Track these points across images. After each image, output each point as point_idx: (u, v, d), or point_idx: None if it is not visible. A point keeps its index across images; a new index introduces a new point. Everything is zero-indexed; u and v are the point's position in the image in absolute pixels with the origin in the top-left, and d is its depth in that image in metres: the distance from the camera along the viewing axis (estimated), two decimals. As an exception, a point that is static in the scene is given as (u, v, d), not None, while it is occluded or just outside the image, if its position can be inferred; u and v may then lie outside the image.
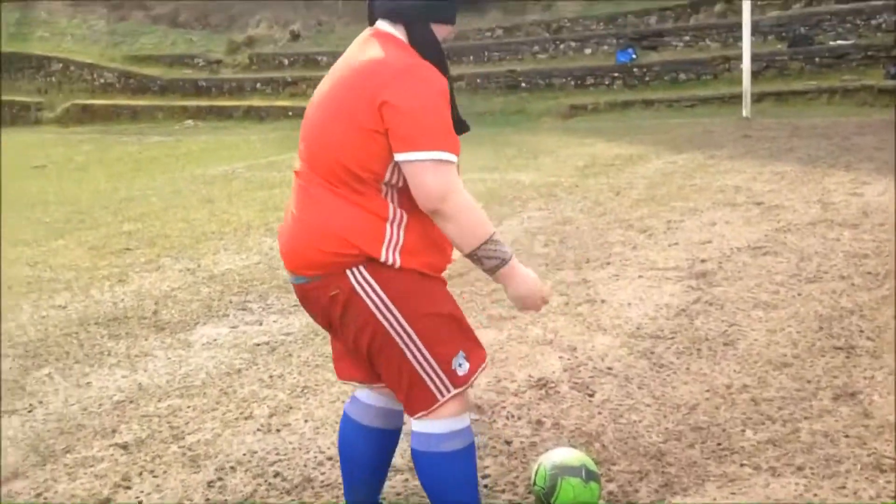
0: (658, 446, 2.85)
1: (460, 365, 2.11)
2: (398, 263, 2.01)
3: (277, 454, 2.94)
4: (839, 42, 14.61)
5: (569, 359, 3.70)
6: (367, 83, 1.95)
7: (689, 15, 17.61)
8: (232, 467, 2.85)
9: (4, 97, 20.11)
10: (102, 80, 20.59)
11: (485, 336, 3.98)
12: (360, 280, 2.00)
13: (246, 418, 3.23)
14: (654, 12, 18.03)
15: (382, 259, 1.99)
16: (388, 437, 2.38)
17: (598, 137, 11.71)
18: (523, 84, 17.39)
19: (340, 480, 2.72)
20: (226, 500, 2.65)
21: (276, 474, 2.80)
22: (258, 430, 3.13)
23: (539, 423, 3.11)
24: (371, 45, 2.04)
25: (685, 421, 3.01)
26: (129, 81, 20.29)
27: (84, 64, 20.80)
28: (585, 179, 8.28)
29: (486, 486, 2.68)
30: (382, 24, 2.08)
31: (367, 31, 2.11)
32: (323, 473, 2.79)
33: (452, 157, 1.94)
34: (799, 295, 4.22)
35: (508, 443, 2.96)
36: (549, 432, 3.03)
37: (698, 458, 2.75)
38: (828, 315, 3.89)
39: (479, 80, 17.88)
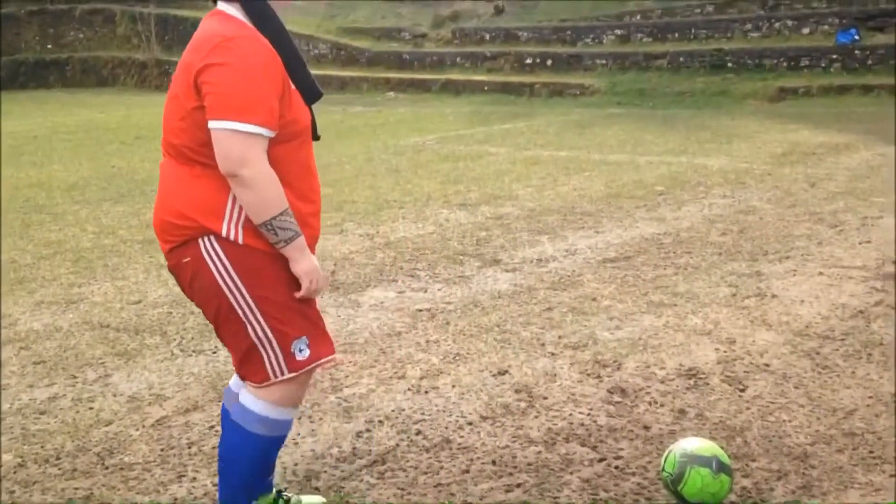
0: (804, 448, 2.74)
1: (300, 350, 2.09)
2: (240, 239, 2.03)
3: (422, 414, 3.12)
4: None
5: (725, 351, 3.60)
6: (189, 62, 1.98)
7: (927, -8, 15.94)
8: (380, 421, 3.07)
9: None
10: (317, 51, 21.93)
11: (642, 321, 3.98)
12: (210, 250, 2.03)
13: (399, 378, 3.45)
14: (888, -11, 16.48)
15: (224, 234, 2.02)
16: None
17: (805, 123, 10.98)
18: (730, 63, 16.55)
19: (478, 444, 2.87)
20: (370, 450, 2.87)
21: (419, 432, 2.98)
22: (408, 389, 3.33)
23: (682, 411, 3.08)
24: (203, 26, 2.05)
25: (839, 425, 2.87)
26: (341, 53, 21.47)
27: (301, 35, 22.24)
28: (780, 168, 7.84)
29: (616, 468, 2.71)
30: (221, 4, 2.08)
31: (208, 13, 2.12)
32: (462, 437, 2.94)
33: (255, 129, 1.93)
34: None
35: (647, 428, 2.96)
36: (692, 422, 2.99)
37: (845, 463, 2.62)
38: None
39: (681, 59, 17.22)
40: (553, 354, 3.64)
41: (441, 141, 10.92)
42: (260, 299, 2.05)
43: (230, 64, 1.93)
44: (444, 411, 3.14)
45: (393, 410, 3.15)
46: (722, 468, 2.44)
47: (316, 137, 2.23)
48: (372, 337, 3.92)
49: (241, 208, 2.02)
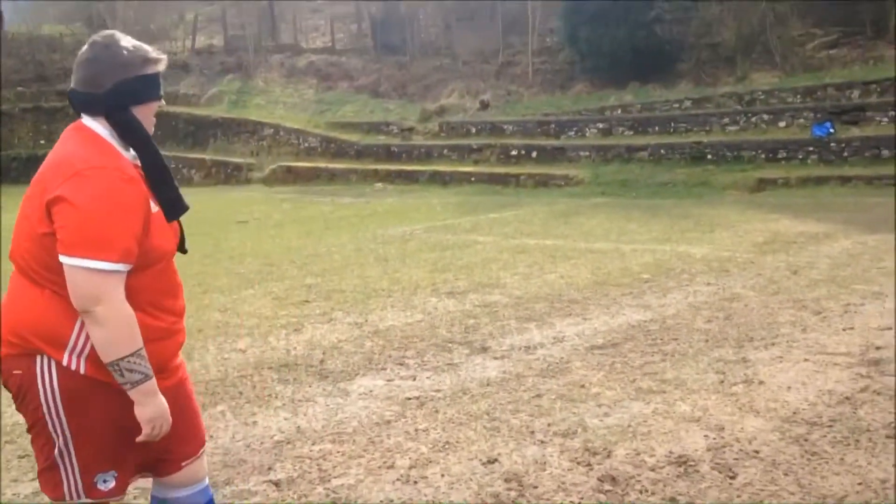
0: (795, 537, 2.72)
1: (105, 481, 2.05)
2: (82, 369, 1.97)
3: (411, 504, 3.09)
4: None
5: (714, 438, 3.60)
6: (44, 185, 1.94)
7: (896, 88, 16.56)
8: (368, 511, 3.04)
9: (223, 158, 22.39)
10: (307, 145, 22.41)
11: (631, 408, 3.98)
12: (44, 372, 1.97)
13: (388, 467, 3.42)
14: (858, 86, 17.14)
15: (65, 364, 1.95)
16: None
17: (785, 213, 11.22)
18: (709, 155, 17.01)
19: (467, 534, 2.83)
20: (359, 539, 2.83)
21: (408, 522, 2.95)
22: (397, 479, 3.30)
23: (673, 500, 3.06)
24: (64, 144, 2.02)
25: (830, 514, 2.86)
26: (330, 146, 21.94)
27: (292, 129, 22.78)
28: (763, 256, 7.97)
29: (608, 557, 2.67)
30: (85, 119, 2.04)
31: (71, 125, 2.08)
32: (451, 526, 2.90)
33: (109, 266, 1.88)
34: (984, 392, 3.86)
35: (638, 516, 2.94)
36: (683, 510, 2.97)
37: (837, 553, 2.60)
38: None
39: (662, 151, 17.70)
40: (543, 442, 3.62)
41: (429, 230, 11.07)
42: (77, 431, 1.99)
43: (84, 198, 1.87)
44: (433, 501, 3.10)
45: (382, 501, 3.12)
46: None
47: (183, 251, 2.20)
48: (360, 426, 3.90)
49: (87, 338, 1.95)
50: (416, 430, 3.83)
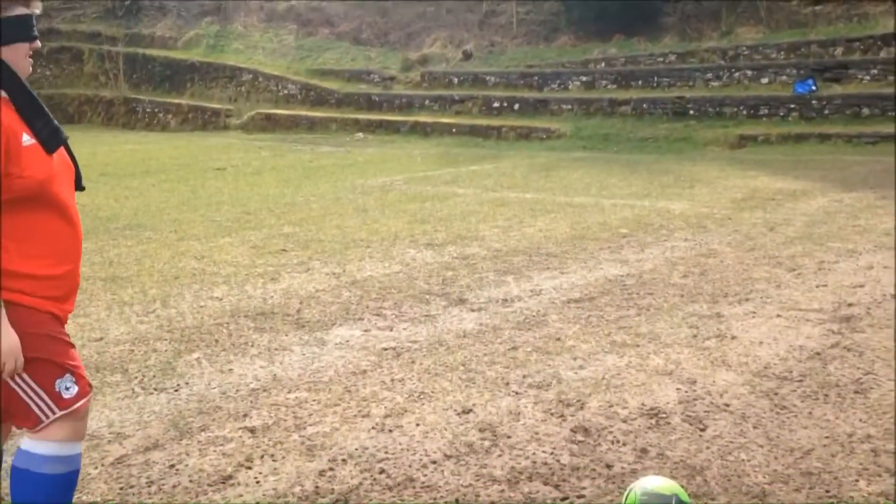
0: (762, 487, 2.78)
1: (67, 388, 2.10)
2: None
3: (386, 452, 3.11)
4: None
5: (686, 391, 3.65)
6: None
7: (880, 48, 16.55)
8: (343, 460, 3.06)
9: (201, 103, 22.04)
10: (286, 92, 22.07)
11: (605, 361, 4.02)
12: None
13: (363, 416, 3.44)
14: (841, 43, 17.10)
15: None
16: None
17: (764, 170, 11.27)
18: (692, 111, 16.98)
19: (441, 483, 2.87)
20: (333, 489, 2.85)
21: (382, 471, 2.97)
22: (372, 428, 3.32)
23: (644, 451, 3.10)
24: None
25: (797, 465, 2.91)
26: (310, 94, 21.62)
27: (271, 76, 22.40)
28: (740, 212, 8.02)
29: (578, 507, 2.72)
30: None
31: None
32: (425, 476, 2.93)
33: None
34: (951, 349, 3.94)
35: (609, 466, 2.98)
36: (653, 461, 3.02)
37: (802, 502, 2.66)
38: (979, 373, 3.62)
39: (645, 106, 17.64)
40: (517, 394, 3.66)
41: (409, 181, 11.00)
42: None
43: None
44: (408, 450, 3.13)
45: (356, 449, 3.14)
46: None
47: (80, 188, 2.24)
48: (337, 375, 3.91)
49: None
50: (392, 380, 3.85)
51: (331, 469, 2.98)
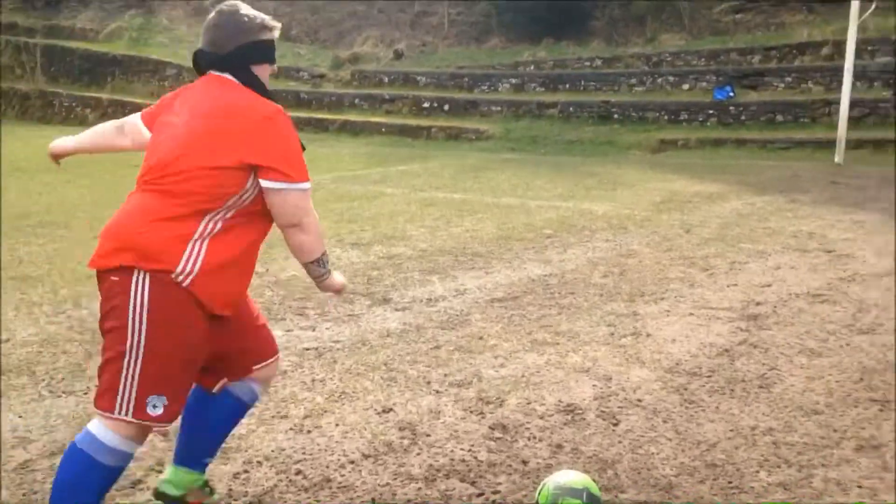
0: (669, 479, 2.88)
1: (154, 406, 2.20)
2: (186, 283, 2.17)
3: (304, 453, 3.11)
4: (950, 91, 14.01)
5: (601, 388, 3.75)
6: (224, 126, 2.24)
7: (795, 56, 17.23)
8: (259, 462, 3.04)
9: (122, 98, 21.42)
10: (212, 88, 21.61)
11: (525, 360, 4.10)
12: (139, 284, 2.15)
13: (281, 417, 3.42)
14: (759, 51, 17.72)
15: (176, 277, 2.16)
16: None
17: (682, 173, 11.61)
18: (616, 115, 17.35)
19: (358, 482, 2.88)
20: (247, 491, 2.83)
21: (299, 472, 2.97)
22: (290, 429, 3.31)
23: (559, 446, 3.18)
24: (221, 90, 2.33)
25: (702, 457, 3.03)
26: (237, 92, 21.23)
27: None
28: (659, 214, 8.25)
29: (493, 503, 2.77)
30: (214, 73, 2.38)
31: (209, 76, 2.38)
32: (342, 476, 2.94)
33: (309, 186, 2.33)
34: (847, 345, 4.14)
35: (525, 462, 3.05)
36: (567, 456, 3.10)
37: (706, 493, 2.77)
38: (871, 367, 3.82)
39: (571, 109, 17.95)
40: (438, 392, 3.70)
41: (337, 181, 10.95)
42: (150, 345, 2.16)
43: (285, 138, 2.29)
44: (325, 450, 3.13)
45: (273, 451, 3.13)
46: (592, 499, 2.55)
47: None
48: (256, 376, 3.87)
49: (196, 260, 2.18)
50: (313, 380, 3.84)
51: (245, 471, 2.97)
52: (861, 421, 3.26)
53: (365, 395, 3.66)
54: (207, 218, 2.22)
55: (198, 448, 2.61)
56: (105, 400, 2.19)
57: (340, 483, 2.89)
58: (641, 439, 3.21)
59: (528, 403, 3.58)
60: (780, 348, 4.17)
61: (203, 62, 2.38)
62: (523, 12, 21.03)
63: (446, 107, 18.99)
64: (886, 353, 4.01)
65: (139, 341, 2.14)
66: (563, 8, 20.69)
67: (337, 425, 3.35)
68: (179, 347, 2.20)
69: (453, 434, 3.27)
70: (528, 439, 3.24)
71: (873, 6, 12.15)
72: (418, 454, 3.10)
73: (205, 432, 2.59)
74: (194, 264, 2.18)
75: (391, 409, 3.50)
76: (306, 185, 2.29)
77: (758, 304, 4.96)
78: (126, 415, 2.17)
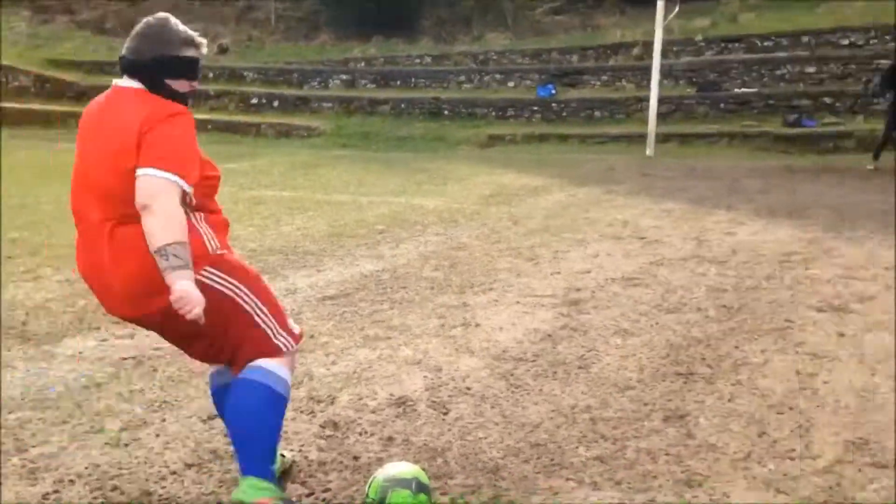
0: (496, 461, 2.96)
1: (292, 326, 2.61)
2: (218, 250, 2.50)
3: (120, 468, 2.93)
4: (743, 90, 15.34)
5: (432, 378, 3.80)
6: (125, 133, 2.38)
7: (609, 56, 18.26)
8: (71, 480, 2.84)
9: None
10: (17, 83, 20.02)
11: (357, 356, 4.09)
12: (204, 275, 2.43)
13: (96, 432, 3.21)
14: (577, 51, 18.63)
15: (211, 252, 2.47)
16: None
17: (510, 168, 12.00)
18: (446, 112, 17.69)
19: (181, 493, 2.75)
20: (59, 511, 2.64)
21: (115, 488, 2.79)
22: (106, 444, 3.11)
23: (390, 439, 3.19)
24: (127, 101, 2.47)
25: (527, 438, 3.14)
26: (45, 86, 19.79)
27: (1, 66, 20.18)
28: (488, 207, 8.48)
29: (324, 501, 2.74)
30: (126, 80, 2.51)
31: (117, 88, 2.53)
32: (164, 488, 2.80)
33: (180, 182, 2.41)
34: (657, 324, 4.44)
35: (356, 458, 3.03)
36: (398, 448, 3.11)
37: (530, 472, 2.87)
38: (677, 343, 4.11)
39: (403, 106, 18.10)
40: (266, 394, 3.60)
41: (159, 181, 10.42)
42: (255, 291, 2.53)
43: (179, 132, 2.42)
44: (145, 463, 2.97)
45: (87, 468, 2.93)
46: (421, 488, 2.57)
47: None
48: (66, 391, 3.62)
49: (205, 229, 2.51)
50: (131, 391, 3.63)
51: (56, 492, 2.76)
52: (668, 394, 3.50)
53: (188, 403, 3.50)
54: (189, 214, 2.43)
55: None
56: (268, 350, 2.53)
57: (161, 496, 2.75)
58: (470, 426, 3.28)
59: (360, 399, 3.57)
60: (597, 330, 4.40)
61: (123, 66, 2.51)
62: (352, 9, 20.97)
63: (275, 103, 18.61)
64: (690, 330, 4.33)
65: (247, 296, 2.50)
66: (391, 6, 20.82)
67: (157, 436, 3.19)
68: (259, 280, 2.59)
69: (283, 435, 3.19)
70: (360, 435, 3.23)
71: (676, 9, 13.09)
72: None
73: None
74: (211, 238, 2.49)
75: (216, 416, 3.37)
76: (172, 176, 2.32)
77: (578, 290, 5.21)
78: (291, 346, 2.59)
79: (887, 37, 15.10)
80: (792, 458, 2.89)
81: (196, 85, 2.55)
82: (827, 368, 3.74)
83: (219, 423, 3.29)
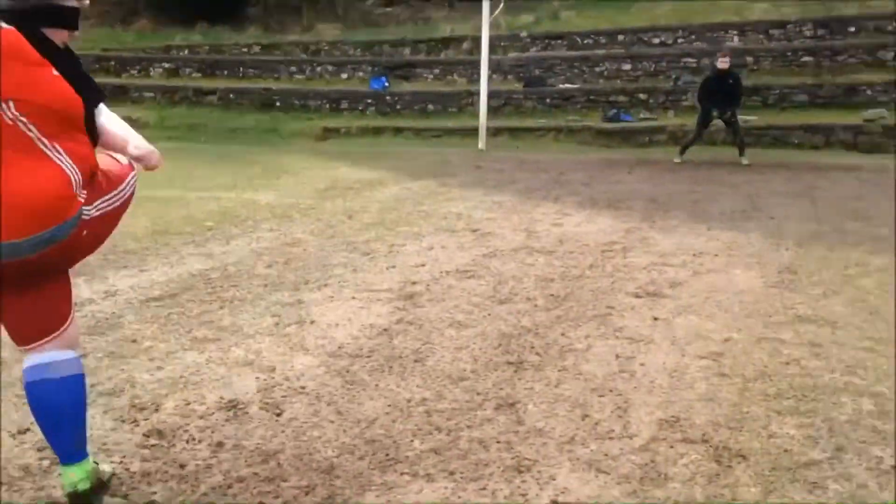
0: (331, 460, 2.94)
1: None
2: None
3: (-85, 493, 2.66)
4: (567, 85, 16.07)
5: (265, 379, 3.71)
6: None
7: (441, 50, 18.54)
8: None
9: None
10: None
11: (185, 359, 3.92)
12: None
13: None
14: (409, 44, 18.77)
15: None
16: None
17: (345, 161, 11.93)
18: (278, 103, 17.32)
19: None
20: None
21: None
22: None
23: (220, 444, 3.08)
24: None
25: (362, 435, 3.14)
26: None
27: None
28: (323, 202, 8.39)
29: (150, 513, 2.61)
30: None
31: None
32: (-33, 511, 2.57)
33: None
34: (489, 315, 4.57)
35: (183, 466, 2.91)
36: (229, 453, 3.02)
37: (365, 469, 2.87)
38: (509, 333, 4.25)
39: (232, 96, 17.55)
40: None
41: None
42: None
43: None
44: (-58, 488, 2.71)
45: None
46: None
47: None
48: None
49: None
50: (-74, 408, 3.29)
51: None
52: (500, 382, 3.61)
53: (-6, 419, 3.22)
54: None
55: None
56: (61, 318, 2.53)
57: (-37, 524, 2.52)
58: (304, 425, 3.23)
59: (188, 404, 3.43)
60: (432, 323, 4.46)
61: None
62: (174, -6, 20.07)
63: (93, 92, 17.47)
64: (521, 319, 4.49)
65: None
66: (216, -8, 20.11)
67: (-42, 458, 2.91)
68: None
69: (102, 447, 3.01)
70: (187, 442, 3.10)
71: (501, 5, 13.48)
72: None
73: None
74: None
75: (28, 430, 3.13)
76: None
77: (413, 283, 5.26)
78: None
79: (693, 36, 16.31)
80: (612, 439, 3.07)
81: (77, 35, 2.52)
82: (643, 351, 3.99)
83: (31, 437, 3.07)
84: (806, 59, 14.97)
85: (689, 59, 15.64)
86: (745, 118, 12.35)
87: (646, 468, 2.85)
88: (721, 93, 10.93)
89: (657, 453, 2.96)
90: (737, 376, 3.66)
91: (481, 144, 13.11)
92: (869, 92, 13.72)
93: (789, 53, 15.13)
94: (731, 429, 3.14)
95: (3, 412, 3.29)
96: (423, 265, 5.73)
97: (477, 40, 14.94)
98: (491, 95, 13.94)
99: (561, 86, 16.06)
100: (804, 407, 3.33)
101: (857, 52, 14.71)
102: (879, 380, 3.59)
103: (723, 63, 11.13)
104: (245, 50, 19.54)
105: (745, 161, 11.11)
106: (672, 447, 3.00)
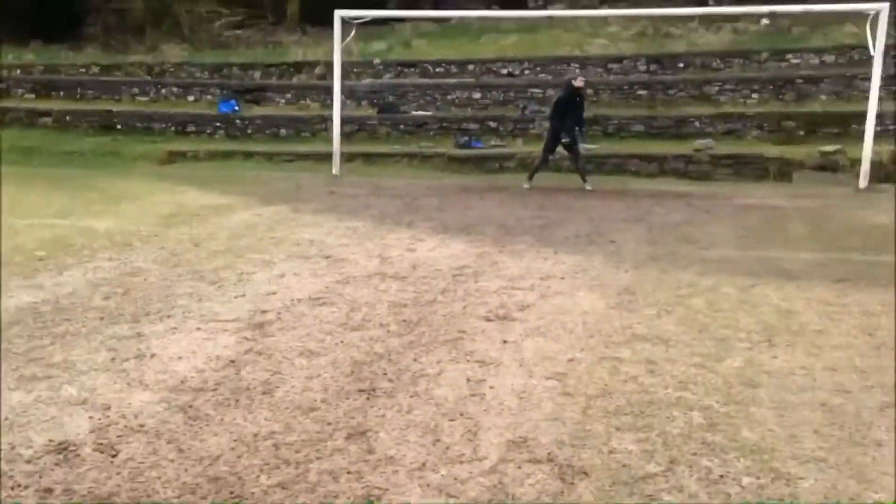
0: (170, 501, 2.80)
1: None
2: None
3: None
4: (420, 112, 16.30)
5: (99, 418, 3.49)
6: None
7: (293, 74, 18.32)
8: None
9: None
10: None
11: (10, 399, 3.64)
12: None
13: None
14: (259, 67, 18.43)
15: None
16: None
17: (192, 186, 11.52)
18: (119, 125, 16.57)
19: None
20: None
21: None
22: None
23: (48, 490, 2.87)
24: None
25: (205, 473, 3.00)
26: None
27: None
28: (167, 229, 8.05)
29: (-36, 572, 2.38)
30: None
31: None
32: None
33: None
34: (342, 342, 4.52)
35: (5, 518, 2.68)
36: (59, 499, 2.82)
37: (206, 510, 2.75)
38: (361, 360, 4.22)
39: (69, 118, 16.64)
40: None
41: None
42: None
43: None
44: None
45: None
46: None
47: None
48: None
49: None
50: None
51: None
52: (351, 411, 3.57)
53: None
54: None
55: None
56: None
57: None
58: (142, 466, 3.06)
59: (13, 448, 3.17)
60: (283, 353, 4.35)
61: None
62: (5, 11, 18.77)
63: None
64: (373, 346, 4.46)
65: None
66: (51, 9, 19.00)
67: None
68: None
69: None
70: (13, 489, 2.87)
71: (353, 32, 13.51)
72: None
73: None
74: None
75: None
76: None
77: (264, 312, 5.13)
78: None
79: (538, 68, 16.97)
80: (462, 462, 3.10)
81: None
82: (493, 374, 4.07)
83: None
84: (641, 92, 15.91)
85: (536, 90, 16.25)
86: (588, 146, 12.96)
87: (494, 490, 2.90)
88: (572, 111, 11.49)
89: (505, 475, 3.01)
90: (580, 395, 3.80)
91: (335, 170, 13.03)
92: (697, 124, 14.74)
93: (626, 87, 16.03)
94: (575, 446, 3.24)
95: None
96: (274, 293, 5.59)
97: (329, 65, 14.87)
98: (345, 121, 13.91)
99: (414, 112, 16.26)
100: (641, 422, 3.50)
101: (686, 86, 15.80)
102: (708, 394, 3.83)
103: (580, 82, 11.76)
104: (83, 70, 18.56)
105: (588, 187, 11.64)
106: (520, 468, 3.07)
